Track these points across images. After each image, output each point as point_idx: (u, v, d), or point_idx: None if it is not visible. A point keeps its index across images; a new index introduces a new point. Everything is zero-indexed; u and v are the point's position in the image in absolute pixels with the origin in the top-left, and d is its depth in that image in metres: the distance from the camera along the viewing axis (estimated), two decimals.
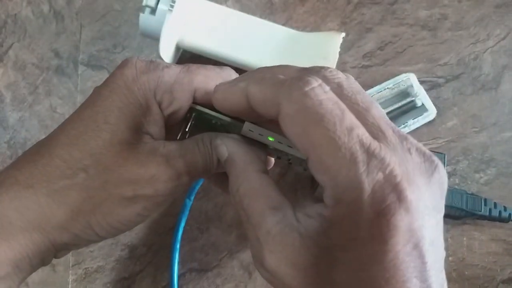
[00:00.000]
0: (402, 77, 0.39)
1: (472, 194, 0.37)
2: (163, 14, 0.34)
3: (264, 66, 0.22)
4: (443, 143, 0.40)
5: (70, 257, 0.38)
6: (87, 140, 0.22)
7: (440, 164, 0.18)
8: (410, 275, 0.17)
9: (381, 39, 0.42)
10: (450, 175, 0.39)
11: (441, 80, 0.41)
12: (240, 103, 0.21)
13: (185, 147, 0.23)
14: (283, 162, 0.25)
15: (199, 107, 0.24)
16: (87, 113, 0.23)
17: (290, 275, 0.18)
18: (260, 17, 0.39)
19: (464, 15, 0.42)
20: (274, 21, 0.39)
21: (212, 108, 0.23)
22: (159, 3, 0.35)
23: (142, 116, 0.23)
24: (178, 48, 0.38)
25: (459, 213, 0.37)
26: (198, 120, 0.24)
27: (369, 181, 0.17)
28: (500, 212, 0.37)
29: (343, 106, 0.18)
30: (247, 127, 0.22)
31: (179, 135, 0.25)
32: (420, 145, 0.19)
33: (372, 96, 0.39)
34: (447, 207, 0.36)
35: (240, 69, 0.36)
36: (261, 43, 0.37)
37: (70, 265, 0.38)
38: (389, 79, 0.40)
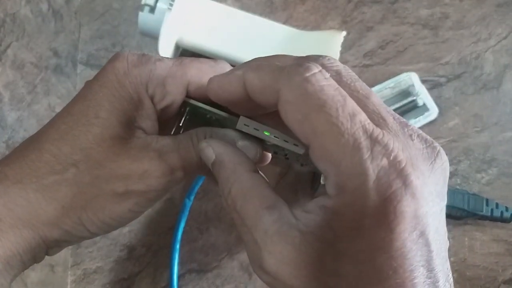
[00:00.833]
0: (404, 76, 0.39)
1: (473, 194, 0.37)
2: (162, 12, 0.34)
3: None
4: (445, 143, 0.39)
5: (69, 258, 0.38)
6: (77, 135, 0.21)
7: (442, 151, 0.18)
8: (417, 264, 0.16)
9: (382, 38, 0.42)
10: (451, 175, 0.39)
11: (442, 80, 0.41)
12: (237, 92, 0.20)
13: (179, 142, 0.23)
14: (279, 158, 0.24)
15: (193, 101, 0.23)
16: (78, 108, 0.22)
17: (292, 274, 0.17)
18: (260, 15, 0.39)
19: (466, 14, 0.42)
20: (275, 19, 0.39)
21: (207, 102, 0.23)
22: (158, 1, 0.34)
23: (134, 110, 0.22)
24: (177, 47, 0.38)
25: (460, 213, 0.37)
26: (192, 114, 0.24)
27: (373, 167, 0.16)
28: (501, 212, 0.37)
29: (344, 92, 0.17)
30: (242, 121, 0.22)
31: (173, 130, 0.24)
32: (421, 131, 0.18)
33: None
34: (448, 207, 0.36)
35: None
36: (261, 42, 0.37)
37: (69, 266, 0.38)
38: (390, 78, 0.39)
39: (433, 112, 0.39)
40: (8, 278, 0.21)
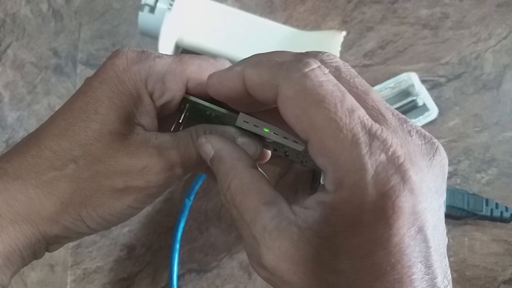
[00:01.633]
0: (403, 76, 0.39)
1: (473, 194, 0.37)
2: (162, 12, 0.34)
3: None
4: (445, 143, 0.39)
5: (68, 258, 0.38)
6: (77, 131, 0.22)
7: (441, 147, 0.18)
8: (415, 260, 0.16)
9: (382, 38, 0.42)
10: (451, 175, 0.39)
11: (442, 80, 0.41)
12: (236, 88, 0.20)
13: (179, 138, 0.23)
14: (279, 155, 0.24)
15: (193, 98, 0.23)
16: (77, 104, 0.22)
17: (290, 270, 0.17)
18: (260, 15, 0.39)
19: (466, 14, 0.42)
20: (275, 19, 0.39)
21: (207, 99, 0.23)
22: (158, 1, 0.34)
23: (133, 107, 0.23)
24: (177, 47, 0.38)
25: (460, 213, 0.37)
26: (192, 111, 0.24)
27: (372, 162, 0.16)
28: (501, 212, 0.37)
29: (343, 88, 0.18)
30: (242, 118, 0.22)
31: (173, 127, 0.24)
32: (420, 127, 0.18)
33: None
34: (448, 207, 0.36)
35: None
36: (261, 42, 0.37)
37: (69, 266, 0.38)
38: (390, 78, 0.39)
39: (433, 112, 0.39)
40: (8, 274, 0.22)
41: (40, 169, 0.21)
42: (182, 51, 0.39)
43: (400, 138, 0.17)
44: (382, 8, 0.42)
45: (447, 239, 0.18)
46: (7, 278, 0.22)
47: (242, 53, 0.37)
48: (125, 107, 0.22)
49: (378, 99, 0.18)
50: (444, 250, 0.18)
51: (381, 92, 0.39)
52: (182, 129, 0.24)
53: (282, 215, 0.18)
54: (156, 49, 0.35)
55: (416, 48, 0.41)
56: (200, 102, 0.23)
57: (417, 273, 0.16)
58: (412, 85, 0.39)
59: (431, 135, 0.18)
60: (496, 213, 0.37)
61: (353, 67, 0.41)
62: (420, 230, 0.16)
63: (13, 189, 0.21)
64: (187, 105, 0.24)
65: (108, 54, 0.23)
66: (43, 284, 0.38)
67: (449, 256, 0.38)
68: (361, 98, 0.18)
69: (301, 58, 0.18)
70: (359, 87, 0.18)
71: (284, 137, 0.22)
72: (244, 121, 0.22)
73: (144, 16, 0.35)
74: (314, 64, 0.18)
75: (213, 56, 0.37)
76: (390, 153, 0.16)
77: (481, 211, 0.36)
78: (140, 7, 0.35)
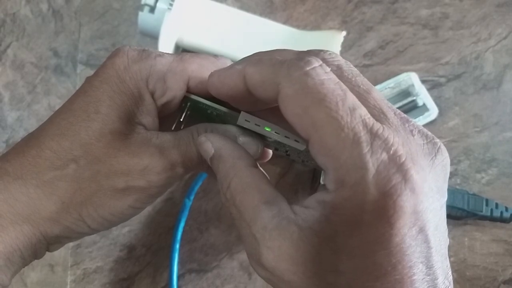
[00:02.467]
0: (403, 76, 0.39)
1: (473, 194, 0.37)
2: (162, 12, 0.34)
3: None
4: (445, 143, 0.39)
5: (68, 258, 0.38)
6: (77, 130, 0.21)
7: (443, 147, 0.18)
8: (416, 260, 0.16)
9: (382, 38, 0.42)
10: (451, 175, 0.39)
11: (442, 80, 0.41)
12: (237, 86, 0.20)
13: (180, 137, 0.23)
14: (280, 154, 0.24)
15: (194, 97, 0.23)
16: (78, 104, 0.22)
17: (290, 270, 0.17)
18: (260, 15, 0.39)
19: (466, 14, 0.42)
20: (275, 19, 0.39)
21: (208, 98, 0.23)
22: (158, 1, 0.34)
23: (134, 106, 0.22)
24: (177, 47, 0.38)
25: (460, 213, 0.37)
26: (193, 110, 0.24)
27: (373, 161, 0.16)
28: (501, 212, 0.37)
29: (345, 86, 0.17)
30: (243, 117, 0.22)
31: (174, 126, 0.24)
32: (422, 127, 0.18)
33: None
34: (448, 207, 0.36)
35: None
36: (262, 42, 0.37)
37: (69, 266, 0.38)
38: (390, 78, 0.39)
39: (433, 112, 0.39)
40: (9, 274, 0.21)
41: (41, 169, 0.21)
42: (182, 51, 0.39)
43: (402, 137, 0.17)
44: (382, 8, 0.42)
45: (448, 240, 0.18)
46: (8, 278, 0.22)
47: (242, 53, 0.36)
48: (126, 107, 0.22)
49: (380, 98, 0.18)
50: (445, 251, 0.18)
51: (381, 92, 0.39)
52: (183, 128, 0.24)
53: (282, 214, 0.18)
54: (156, 49, 0.35)
55: (416, 48, 0.41)
56: (201, 101, 0.23)
57: (418, 273, 0.16)
58: (412, 85, 0.39)
59: (433, 135, 0.18)
60: (496, 213, 0.37)
61: None
62: (421, 230, 0.16)
63: (13, 189, 0.21)
64: (188, 104, 0.24)
65: (108, 54, 0.23)
66: (43, 284, 0.38)
67: (449, 256, 0.38)
68: (363, 97, 0.18)
69: (303, 56, 0.18)
70: (361, 86, 0.18)
71: (286, 136, 0.22)
72: (245, 120, 0.22)
73: (144, 16, 0.35)
74: (316, 63, 0.18)
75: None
76: (391, 152, 0.16)
77: (481, 211, 0.36)
78: (140, 7, 0.35)
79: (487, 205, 0.37)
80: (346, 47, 0.41)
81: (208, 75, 0.22)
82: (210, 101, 0.23)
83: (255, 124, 0.22)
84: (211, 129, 0.23)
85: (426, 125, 0.39)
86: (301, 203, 0.19)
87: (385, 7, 0.42)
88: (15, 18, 0.43)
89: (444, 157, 0.18)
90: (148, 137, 0.22)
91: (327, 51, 0.19)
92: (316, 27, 0.42)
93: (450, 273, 0.18)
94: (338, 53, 0.36)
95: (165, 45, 0.35)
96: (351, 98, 0.17)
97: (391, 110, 0.18)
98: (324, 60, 0.18)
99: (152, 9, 0.34)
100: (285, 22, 0.42)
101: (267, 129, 0.22)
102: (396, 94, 0.39)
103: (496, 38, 0.42)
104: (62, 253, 0.38)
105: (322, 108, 0.17)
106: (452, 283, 0.18)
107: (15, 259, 0.21)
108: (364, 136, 0.16)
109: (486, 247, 0.38)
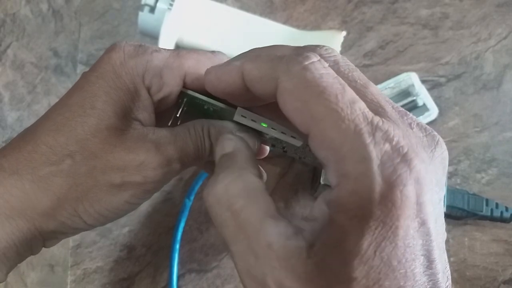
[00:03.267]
0: (403, 76, 0.39)
1: (473, 194, 0.37)
2: (162, 12, 0.34)
3: None
4: (445, 143, 0.39)
5: (69, 258, 0.38)
6: (73, 126, 0.21)
7: (441, 140, 0.18)
8: (418, 253, 0.16)
9: (382, 38, 0.42)
10: (451, 175, 0.39)
11: (442, 80, 0.41)
12: (234, 82, 0.20)
13: (176, 133, 0.23)
14: (277, 151, 0.24)
15: (190, 92, 0.23)
16: (74, 99, 0.22)
17: None
18: (260, 15, 0.39)
19: (466, 14, 0.42)
20: (275, 19, 0.39)
21: (205, 93, 0.23)
22: (158, 1, 0.34)
23: (130, 101, 0.22)
24: (177, 46, 0.38)
25: (460, 213, 0.37)
26: (190, 105, 0.24)
27: (377, 151, 0.16)
28: (501, 212, 0.37)
29: (343, 81, 0.17)
30: (239, 112, 0.22)
31: (170, 121, 0.24)
32: (420, 121, 0.18)
33: None
34: (448, 207, 0.36)
35: None
36: (262, 42, 0.37)
37: (69, 266, 0.38)
38: (390, 78, 0.39)
39: (433, 112, 0.39)
40: (4, 269, 0.21)
41: (36, 164, 0.21)
42: None
43: (402, 130, 0.17)
44: (382, 8, 0.42)
45: (446, 234, 0.18)
46: (3, 274, 0.21)
47: None
48: (122, 102, 0.22)
49: (377, 93, 0.18)
50: (443, 245, 0.17)
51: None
52: (179, 123, 0.24)
53: (289, 231, 0.17)
54: None
55: (416, 48, 0.41)
56: (198, 96, 0.23)
57: (419, 267, 0.16)
58: (412, 85, 0.39)
59: (432, 129, 0.18)
60: (496, 213, 0.37)
61: None
62: (424, 222, 0.16)
63: (9, 184, 0.21)
64: (185, 100, 0.24)
65: None
66: (43, 284, 0.38)
67: (449, 256, 0.38)
68: (361, 92, 0.18)
69: (301, 52, 0.18)
70: (358, 81, 0.18)
71: (282, 132, 0.22)
72: (242, 115, 0.22)
73: (144, 16, 0.35)
74: (314, 58, 0.18)
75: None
76: (394, 143, 0.16)
77: (481, 211, 0.36)
78: (140, 7, 0.35)
79: (487, 205, 0.37)
80: (346, 47, 0.41)
81: (205, 71, 0.22)
82: (207, 96, 0.23)
83: (252, 120, 0.22)
84: (208, 125, 0.23)
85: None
86: (303, 217, 0.18)
87: (385, 7, 0.42)
88: (15, 18, 0.43)
89: (443, 150, 0.18)
90: (145, 132, 0.22)
91: (324, 46, 0.19)
92: (316, 27, 0.42)
93: (448, 267, 0.17)
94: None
95: (165, 45, 0.35)
96: (350, 92, 0.17)
97: (389, 104, 0.18)
98: (321, 56, 0.18)
99: (152, 9, 0.34)
100: (285, 22, 0.42)
101: (263, 125, 0.22)
102: (396, 94, 0.39)
103: (496, 38, 0.42)
104: (62, 253, 0.38)
105: (321, 101, 0.17)
106: (450, 277, 0.17)
107: (10, 255, 0.21)
108: (365, 128, 0.16)
109: (486, 247, 0.38)
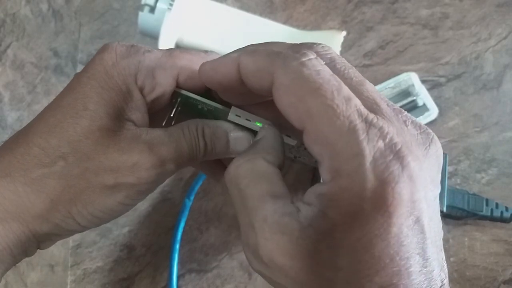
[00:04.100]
0: (403, 76, 0.39)
1: (473, 194, 0.37)
2: (162, 12, 0.34)
3: None
4: (445, 143, 0.39)
5: (69, 258, 0.38)
6: (65, 127, 0.21)
7: (436, 137, 0.18)
8: (413, 252, 0.16)
9: (382, 38, 0.42)
10: (451, 175, 0.39)
11: (442, 80, 0.41)
12: (230, 75, 0.20)
13: (170, 133, 0.23)
14: None
15: (184, 92, 0.23)
16: (66, 100, 0.22)
17: (287, 265, 0.17)
18: (260, 15, 0.39)
19: (466, 14, 0.42)
20: (275, 19, 0.39)
21: (199, 93, 0.23)
22: (158, 1, 0.34)
23: (123, 102, 0.22)
24: (177, 46, 0.38)
25: (460, 213, 0.36)
26: (184, 105, 0.24)
27: (370, 148, 0.16)
28: (501, 212, 0.37)
29: (339, 79, 0.18)
30: (234, 112, 0.22)
31: (164, 122, 0.24)
32: (414, 118, 0.18)
33: None
34: (448, 207, 0.36)
35: None
36: (261, 42, 0.37)
37: (69, 266, 0.38)
38: (390, 78, 0.39)
39: (433, 112, 0.39)
40: None
41: (29, 167, 0.21)
42: None
43: (396, 127, 0.17)
44: (382, 8, 0.42)
45: (442, 232, 0.18)
46: None
47: None
48: (115, 103, 0.22)
49: (372, 90, 0.18)
50: (440, 243, 0.18)
51: (381, 92, 0.39)
52: (174, 124, 0.24)
53: (286, 210, 0.18)
54: (156, 48, 0.35)
55: (416, 48, 0.41)
56: (192, 96, 0.23)
57: (415, 265, 0.16)
58: (412, 85, 0.39)
59: (426, 126, 0.18)
60: (496, 213, 0.37)
61: None
62: (418, 220, 0.16)
63: (1, 186, 0.21)
64: (179, 100, 0.24)
65: None
66: (43, 284, 0.38)
67: (449, 256, 0.38)
68: (356, 89, 0.18)
69: (298, 48, 0.18)
70: (354, 78, 0.18)
71: None
72: (236, 115, 0.22)
73: (144, 16, 0.35)
74: (311, 55, 0.18)
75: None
76: (387, 140, 0.16)
77: (481, 211, 0.36)
78: (140, 7, 0.35)
79: (487, 205, 0.37)
80: (346, 47, 0.41)
81: (197, 71, 0.22)
82: (201, 96, 0.23)
83: (246, 119, 0.22)
84: (202, 125, 0.23)
85: (426, 125, 0.39)
86: (302, 200, 0.19)
87: (385, 7, 0.42)
88: (15, 18, 0.43)
89: (438, 148, 0.18)
90: (138, 133, 0.22)
91: (320, 44, 0.19)
92: (316, 27, 0.42)
93: (445, 265, 0.17)
94: (338, 53, 0.36)
95: (165, 45, 0.35)
96: (346, 89, 0.17)
97: (384, 102, 0.18)
98: (318, 53, 0.18)
99: (152, 9, 0.34)
100: (285, 22, 0.42)
101: (258, 124, 0.22)
102: (396, 94, 0.39)
103: (496, 38, 0.42)
104: (62, 253, 0.38)
105: (317, 97, 0.17)
106: (447, 275, 0.17)
107: (4, 257, 0.21)
108: (359, 124, 0.16)
109: (486, 247, 0.38)
